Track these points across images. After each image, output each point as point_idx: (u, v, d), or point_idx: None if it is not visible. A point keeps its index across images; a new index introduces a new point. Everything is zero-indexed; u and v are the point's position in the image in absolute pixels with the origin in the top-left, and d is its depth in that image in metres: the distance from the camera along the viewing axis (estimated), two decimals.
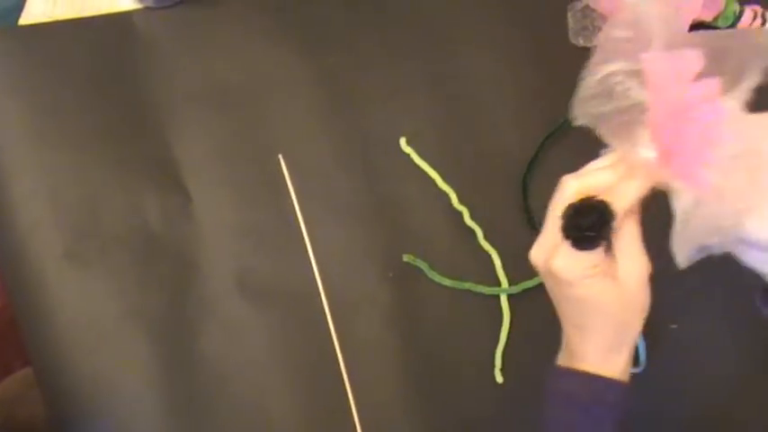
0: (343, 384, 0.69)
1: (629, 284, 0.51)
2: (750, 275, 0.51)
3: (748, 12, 0.75)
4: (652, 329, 0.71)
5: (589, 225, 0.50)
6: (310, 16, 0.79)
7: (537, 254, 0.53)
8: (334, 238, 0.73)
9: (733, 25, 0.75)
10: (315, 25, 0.79)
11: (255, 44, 0.78)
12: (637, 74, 0.49)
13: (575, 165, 0.75)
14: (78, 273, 0.72)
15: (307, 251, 0.72)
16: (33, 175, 0.74)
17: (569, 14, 0.77)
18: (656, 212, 0.74)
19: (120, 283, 0.72)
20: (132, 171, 0.74)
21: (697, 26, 0.74)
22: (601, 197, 0.51)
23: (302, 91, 0.77)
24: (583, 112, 0.52)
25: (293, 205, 0.74)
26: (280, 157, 0.75)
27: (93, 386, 0.70)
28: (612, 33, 0.49)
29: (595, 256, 0.50)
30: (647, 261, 0.52)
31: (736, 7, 0.75)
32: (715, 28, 0.76)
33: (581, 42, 0.77)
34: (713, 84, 0.48)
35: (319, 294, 0.72)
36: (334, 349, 0.70)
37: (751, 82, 0.48)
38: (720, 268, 0.72)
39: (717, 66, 0.48)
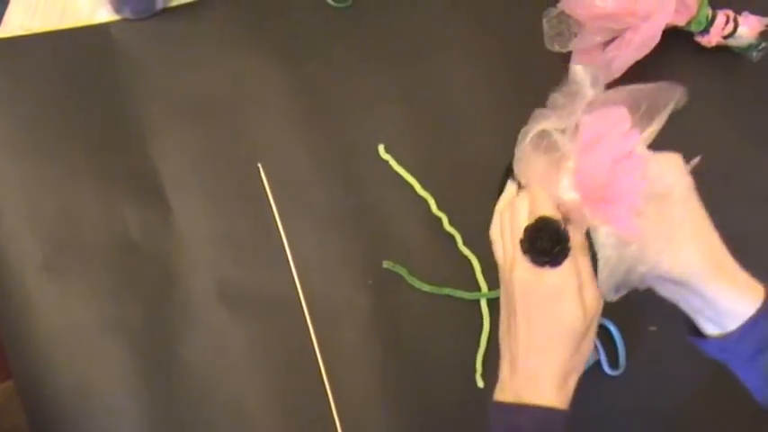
0: (325, 391, 0.69)
1: (590, 311, 0.54)
2: None
3: (721, 16, 0.76)
4: (631, 332, 0.71)
5: (549, 245, 0.53)
6: (287, 27, 0.80)
7: (522, 273, 0.54)
8: (314, 245, 0.73)
9: (706, 29, 0.76)
10: (292, 36, 0.79)
11: (233, 55, 0.78)
12: (565, 130, 0.55)
13: None
14: (58, 284, 0.71)
15: (287, 259, 0.73)
16: (12, 187, 0.74)
17: (544, 20, 0.78)
18: None
19: (101, 294, 0.72)
20: (111, 182, 0.74)
21: (671, 30, 0.75)
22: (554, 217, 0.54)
23: (280, 101, 0.77)
24: (522, 170, 0.57)
25: (273, 214, 0.74)
26: (259, 166, 0.75)
27: (75, 396, 0.70)
28: (553, 101, 0.56)
29: (570, 269, 0.53)
30: (600, 295, 0.54)
31: (709, 11, 0.76)
32: (689, 33, 0.77)
33: (556, 48, 0.78)
34: (635, 137, 0.55)
35: (300, 302, 0.72)
36: (315, 356, 0.70)
37: (657, 126, 0.56)
38: None
39: (631, 114, 0.55)
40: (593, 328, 0.55)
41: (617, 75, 0.74)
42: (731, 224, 0.75)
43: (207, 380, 0.70)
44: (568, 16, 0.77)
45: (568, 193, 0.55)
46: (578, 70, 0.56)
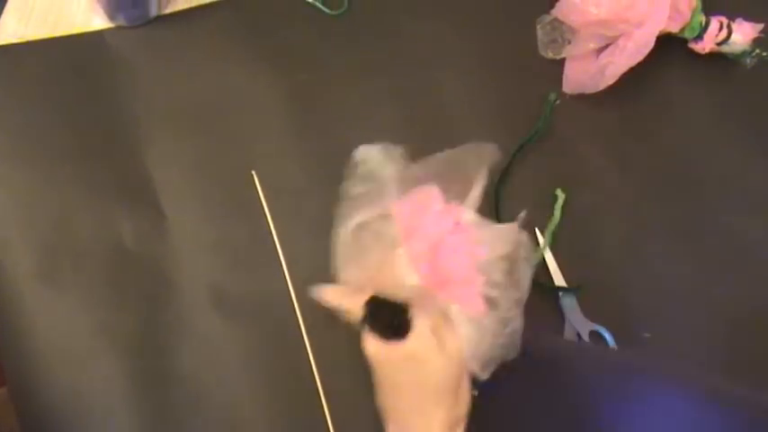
0: (319, 398, 0.69)
1: (458, 359, 0.55)
2: None
3: (714, 22, 0.76)
4: (626, 338, 0.71)
5: (389, 318, 0.55)
6: (282, 35, 0.80)
7: (374, 346, 0.57)
8: (308, 253, 0.73)
9: (699, 36, 0.76)
10: (286, 44, 0.79)
11: (227, 62, 0.78)
12: (384, 216, 0.55)
13: (546, 174, 0.76)
14: (51, 290, 0.71)
15: (281, 266, 0.72)
16: (5, 193, 0.73)
17: (538, 27, 0.78)
18: (643, 221, 0.75)
19: (94, 301, 0.71)
20: (105, 189, 0.74)
21: (664, 37, 0.75)
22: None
23: (274, 108, 0.77)
24: (347, 270, 0.58)
25: (267, 221, 0.74)
26: (253, 173, 0.75)
27: (68, 403, 0.70)
28: (351, 191, 0.57)
29: (421, 334, 0.55)
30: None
31: (702, 18, 0.76)
32: (683, 39, 0.78)
33: (550, 55, 0.78)
34: (456, 211, 0.54)
35: (294, 310, 0.71)
36: (309, 364, 0.70)
37: (479, 188, 0.55)
38: (696, 278, 0.73)
39: (447, 184, 0.54)
40: (465, 373, 0.56)
41: (610, 82, 0.75)
42: (726, 232, 0.76)
43: (201, 386, 0.70)
44: (562, 23, 0.77)
45: (408, 278, 0.55)
46: (362, 151, 0.56)
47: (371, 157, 0.56)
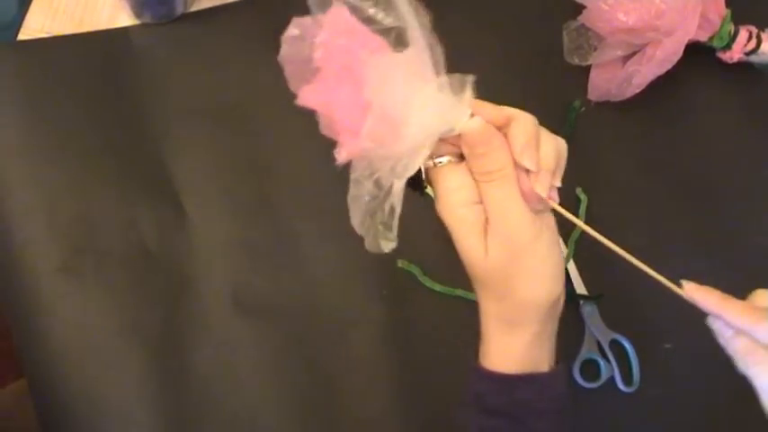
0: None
1: (496, 257, 0.48)
2: None
3: (743, 32, 0.75)
4: (646, 349, 0.71)
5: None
6: None
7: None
8: (329, 254, 0.73)
9: (728, 45, 0.76)
10: None
11: (252, 60, 0.78)
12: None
13: (568, 182, 0.75)
14: (73, 287, 0.71)
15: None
16: (29, 190, 0.74)
17: (564, 33, 0.78)
18: (667, 231, 0.74)
19: (115, 298, 0.72)
20: (128, 186, 0.74)
21: (692, 46, 0.75)
22: None
23: (298, 107, 0.77)
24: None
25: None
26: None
27: (87, 400, 0.70)
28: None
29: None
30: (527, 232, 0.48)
31: (731, 27, 0.75)
32: (711, 48, 0.77)
33: (576, 61, 0.77)
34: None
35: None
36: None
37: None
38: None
39: None
40: (515, 273, 0.48)
41: (637, 90, 0.74)
42: (753, 239, 0.75)
43: (219, 386, 0.70)
44: (589, 29, 0.76)
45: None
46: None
47: None
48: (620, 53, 0.75)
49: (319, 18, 0.48)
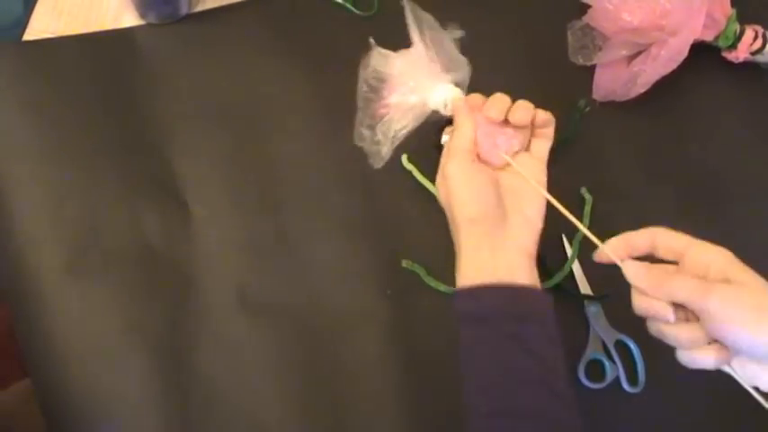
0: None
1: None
2: None
3: (749, 31, 0.75)
4: (651, 349, 0.71)
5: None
6: (311, 34, 0.80)
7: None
8: (334, 254, 0.73)
9: (734, 45, 0.76)
10: (316, 43, 0.79)
11: (257, 61, 0.78)
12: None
13: (573, 181, 0.75)
14: (78, 287, 0.71)
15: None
16: (35, 189, 0.74)
17: (569, 33, 0.78)
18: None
19: (119, 298, 0.72)
20: (133, 186, 0.74)
21: (697, 46, 0.74)
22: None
23: (302, 107, 0.77)
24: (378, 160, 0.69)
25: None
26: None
27: (91, 399, 0.70)
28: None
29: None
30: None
31: (737, 27, 0.75)
32: (716, 48, 0.77)
33: (580, 61, 0.77)
34: None
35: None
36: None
37: None
38: None
39: None
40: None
41: (642, 90, 0.74)
42: (755, 246, 0.75)
43: (224, 387, 0.70)
44: (593, 29, 0.76)
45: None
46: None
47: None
48: (624, 53, 0.75)
49: None
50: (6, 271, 0.73)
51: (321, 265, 0.73)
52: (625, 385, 0.70)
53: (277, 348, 0.71)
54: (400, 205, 0.75)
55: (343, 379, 0.70)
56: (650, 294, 0.52)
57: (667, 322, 0.52)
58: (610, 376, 0.70)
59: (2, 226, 0.73)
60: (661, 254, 0.54)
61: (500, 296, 0.57)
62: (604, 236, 0.73)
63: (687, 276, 0.52)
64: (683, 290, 0.50)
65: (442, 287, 0.72)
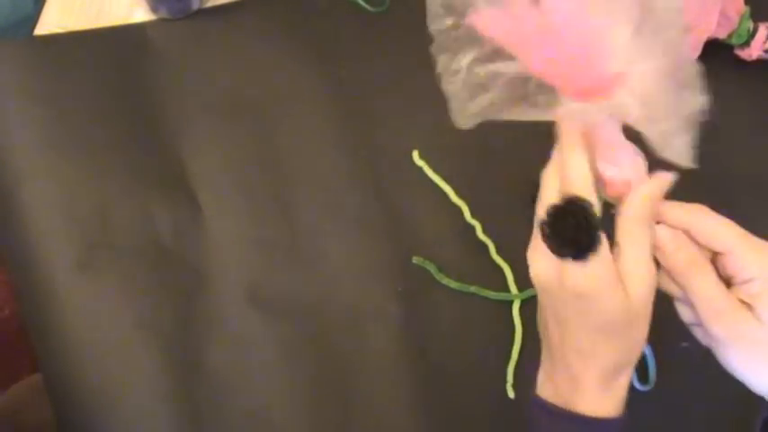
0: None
1: (638, 297, 0.46)
2: None
3: (762, 29, 0.75)
4: (663, 347, 0.71)
5: (574, 234, 0.44)
6: (324, 29, 0.79)
7: (543, 265, 0.47)
8: (345, 251, 0.73)
9: (747, 42, 0.75)
10: (327, 39, 0.79)
11: (269, 56, 0.78)
12: (491, 55, 0.46)
13: None
14: (89, 282, 0.72)
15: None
16: (46, 185, 0.74)
17: None
18: None
19: (130, 294, 0.72)
20: (144, 182, 0.74)
21: (709, 43, 0.74)
22: (585, 196, 0.44)
23: (315, 103, 0.77)
24: (465, 115, 0.50)
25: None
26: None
27: (102, 395, 0.70)
28: (436, 26, 0.48)
29: (600, 265, 0.45)
30: (655, 271, 0.47)
31: (750, 24, 0.75)
32: (729, 45, 0.76)
33: None
34: None
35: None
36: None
37: None
38: None
39: None
40: (646, 313, 0.47)
41: None
42: None
43: (234, 383, 0.70)
44: None
45: (608, 168, 0.46)
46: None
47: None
48: None
49: None
50: (17, 266, 0.73)
51: (332, 262, 0.73)
52: (636, 383, 0.70)
53: (287, 345, 0.71)
54: (411, 202, 0.75)
55: (354, 376, 0.70)
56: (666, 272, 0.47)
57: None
58: None
59: (14, 221, 0.73)
60: (698, 239, 0.47)
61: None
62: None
63: (713, 282, 0.46)
64: (702, 301, 0.46)
65: (453, 284, 0.72)
